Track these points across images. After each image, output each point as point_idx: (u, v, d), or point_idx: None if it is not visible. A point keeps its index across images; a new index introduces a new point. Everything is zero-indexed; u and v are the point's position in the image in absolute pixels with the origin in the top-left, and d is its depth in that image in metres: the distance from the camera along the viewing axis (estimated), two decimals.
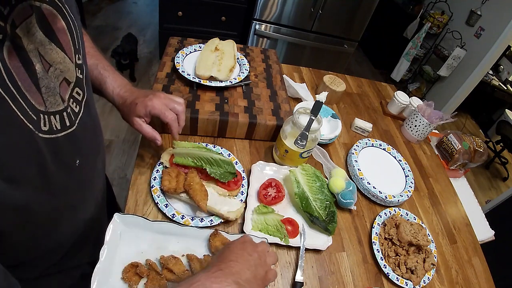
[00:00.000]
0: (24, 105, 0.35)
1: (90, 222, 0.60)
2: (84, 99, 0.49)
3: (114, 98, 0.66)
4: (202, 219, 0.68)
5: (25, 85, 0.36)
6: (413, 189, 0.93)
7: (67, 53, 0.44)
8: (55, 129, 0.41)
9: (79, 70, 0.48)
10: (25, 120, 0.35)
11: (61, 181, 0.44)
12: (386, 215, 0.84)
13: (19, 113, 0.34)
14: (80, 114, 0.47)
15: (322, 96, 0.78)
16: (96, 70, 0.65)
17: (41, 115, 0.38)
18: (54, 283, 0.57)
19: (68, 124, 0.44)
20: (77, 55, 0.47)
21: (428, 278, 0.75)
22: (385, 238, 0.79)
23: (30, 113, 0.36)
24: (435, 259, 0.79)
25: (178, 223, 0.65)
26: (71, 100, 0.45)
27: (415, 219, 0.86)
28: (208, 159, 0.71)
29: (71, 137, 0.44)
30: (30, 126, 0.36)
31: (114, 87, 0.65)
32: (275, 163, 0.86)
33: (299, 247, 0.70)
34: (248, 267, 0.49)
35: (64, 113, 0.43)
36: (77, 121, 0.46)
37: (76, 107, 0.46)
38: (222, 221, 0.69)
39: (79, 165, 0.47)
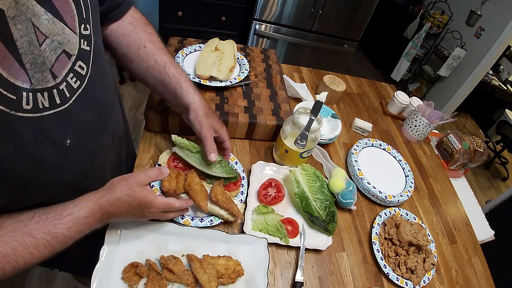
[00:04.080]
0: None
1: None
2: (89, 74, 0.47)
3: (195, 99, 0.67)
4: (202, 219, 0.68)
5: (5, 63, 0.35)
6: (413, 189, 0.93)
7: (68, 23, 0.42)
8: (41, 107, 0.40)
9: (85, 42, 0.45)
10: None
11: (46, 159, 0.43)
12: (386, 215, 0.84)
13: None
14: (80, 90, 0.45)
15: (322, 96, 0.78)
16: (173, 67, 0.67)
17: (24, 93, 0.37)
18: (59, 260, 0.58)
19: (58, 102, 0.42)
20: (83, 25, 0.44)
21: (428, 278, 0.75)
22: (385, 238, 0.79)
23: (5, 92, 0.35)
24: (435, 259, 0.79)
25: (178, 223, 0.65)
26: (71, 74, 0.44)
27: (415, 219, 0.86)
28: (207, 174, 0.71)
29: (62, 116, 0.43)
30: (1, 107, 0.35)
31: (194, 89, 0.68)
32: (275, 163, 0.86)
33: (299, 247, 0.70)
34: (122, 219, 0.55)
35: (54, 90, 0.41)
36: (73, 98, 0.44)
37: (75, 82, 0.45)
38: (222, 221, 0.69)
39: (70, 145, 0.46)
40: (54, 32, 0.40)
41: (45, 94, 0.40)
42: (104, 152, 0.59)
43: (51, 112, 0.41)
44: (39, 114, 0.39)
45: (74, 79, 0.44)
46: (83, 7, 0.44)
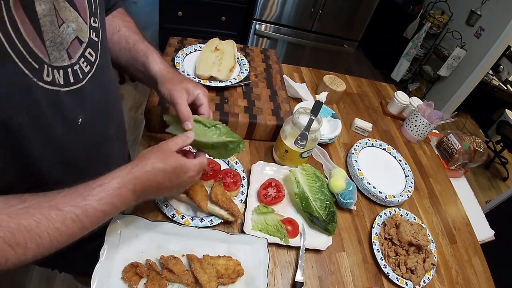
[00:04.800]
0: (23, 51, 0.36)
1: None
2: (97, 62, 0.50)
3: (161, 67, 0.65)
4: (202, 219, 0.68)
5: (30, 35, 0.37)
6: (413, 189, 0.93)
7: (81, 14, 0.45)
8: (57, 82, 0.42)
9: (94, 33, 0.49)
10: (20, 65, 0.36)
11: (59, 134, 0.45)
12: (386, 215, 0.84)
13: (14, 56, 0.35)
14: (90, 74, 0.48)
15: (322, 96, 0.78)
16: (142, 44, 0.67)
17: (45, 65, 0.40)
18: (60, 260, 0.57)
19: (72, 81, 0.45)
20: (92, 18, 0.48)
21: (428, 278, 0.75)
22: (385, 238, 0.79)
23: (30, 60, 0.37)
24: (435, 259, 0.79)
25: (178, 223, 0.65)
26: (82, 59, 0.47)
27: (415, 219, 0.86)
28: (205, 144, 0.62)
29: (75, 94, 0.45)
30: (27, 72, 0.37)
31: (161, 60, 0.67)
32: (275, 163, 0.86)
33: (299, 247, 0.70)
34: (159, 193, 0.53)
35: (69, 69, 0.44)
36: (85, 80, 0.47)
37: (86, 66, 0.47)
38: (222, 221, 0.69)
39: (81, 124, 0.48)
40: (69, 19, 0.43)
41: (61, 71, 0.43)
42: (109, 142, 0.61)
43: (65, 89, 0.44)
44: (56, 88, 0.42)
45: (85, 63, 0.47)
46: (93, 3, 0.48)
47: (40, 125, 0.41)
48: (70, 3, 0.43)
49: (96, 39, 0.49)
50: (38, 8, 0.38)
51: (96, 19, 0.49)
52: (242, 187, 0.76)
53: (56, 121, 0.43)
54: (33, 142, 0.42)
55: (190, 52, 1.00)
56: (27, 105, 0.38)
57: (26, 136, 0.40)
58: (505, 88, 3.59)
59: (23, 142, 0.40)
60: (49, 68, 0.40)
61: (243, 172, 0.79)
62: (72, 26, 0.44)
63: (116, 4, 0.68)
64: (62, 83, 0.43)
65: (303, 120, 0.77)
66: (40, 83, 0.39)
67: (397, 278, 0.73)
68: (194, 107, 0.63)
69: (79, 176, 0.49)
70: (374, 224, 0.81)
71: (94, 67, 0.49)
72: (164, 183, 0.51)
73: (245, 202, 0.75)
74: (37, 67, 0.38)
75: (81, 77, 0.46)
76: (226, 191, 0.70)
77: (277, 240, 0.70)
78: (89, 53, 0.48)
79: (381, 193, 0.87)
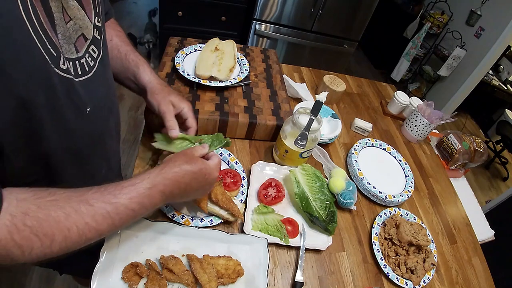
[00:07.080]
0: (43, 37, 0.38)
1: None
2: (100, 57, 0.53)
3: (152, 79, 0.69)
4: (202, 219, 0.68)
5: (47, 26, 0.39)
6: (413, 189, 0.93)
7: (87, 13, 0.48)
8: (71, 72, 0.44)
9: (97, 31, 0.52)
10: (41, 49, 0.38)
11: (70, 121, 0.47)
12: (386, 215, 0.84)
13: (36, 40, 0.37)
14: (95, 68, 0.51)
15: (322, 96, 0.78)
16: (133, 54, 0.71)
17: (61, 55, 0.42)
18: (61, 260, 0.57)
19: (80, 73, 0.47)
20: (96, 18, 0.51)
21: (428, 278, 0.75)
22: (385, 238, 0.79)
23: (49, 47, 0.39)
24: (435, 259, 0.79)
25: (178, 223, 0.65)
26: (87, 54, 0.49)
27: (415, 219, 0.86)
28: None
29: (84, 85, 0.48)
30: (46, 57, 0.38)
31: (151, 71, 0.71)
32: (275, 163, 0.86)
33: (299, 247, 0.70)
34: (185, 195, 0.55)
35: (77, 62, 0.47)
36: (91, 73, 0.50)
37: (91, 61, 0.50)
38: (222, 221, 0.69)
39: (89, 113, 0.50)
40: (77, 16, 0.46)
41: (71, 63, 0.45)
42: (109, 135, 0.63)
43: (76, 79, 0.46)
44: (70, 77, 0.44)
45: (90, 58, 0.50)
46: (97, 4, 0.51)
47: (54, 110, 0.42)
48: (78, 2, 0.45)
49: (99, 37, 0.52)
50: (52, 4, 0.41)
51: (99, 19, 0.52)
52: (242, 187, 0.76)
53: (68, 108, 0.45)
54: (46, 126, 0.43)
55: (190, 52, 1.00)
56: (45, 89, 0.40)
57: (41, 118, 0.41)
58: (505, 88, 3.59)
59: (37, 125, 0.42)
60: (64, 58, 0.42)
61: (243, 172, 0.79)
62: (78, 23, 0.46)
63: (109, 12, 0.70)
64: (73, 74, 0.45)
65: (303, 120, 0.77)
66: (57, 70, 0.40)
67: (397, 278, 0.73)
68: (180, 121, 0.68)
69: (81, 165, 0.52)
70: (374, 224, 0.81)
71: (97, 63, 0.52)
72: (191, 183, 0.53)
73: (245, 202, 0.75)
74: (55, 54, 0.40)
75: (87, 70, 0.49)
76: (226, 191, 0.70)
77: (277, 240, 0.70)
78: (92, 49, 0.50)
79: (381, 193, 0.87)
